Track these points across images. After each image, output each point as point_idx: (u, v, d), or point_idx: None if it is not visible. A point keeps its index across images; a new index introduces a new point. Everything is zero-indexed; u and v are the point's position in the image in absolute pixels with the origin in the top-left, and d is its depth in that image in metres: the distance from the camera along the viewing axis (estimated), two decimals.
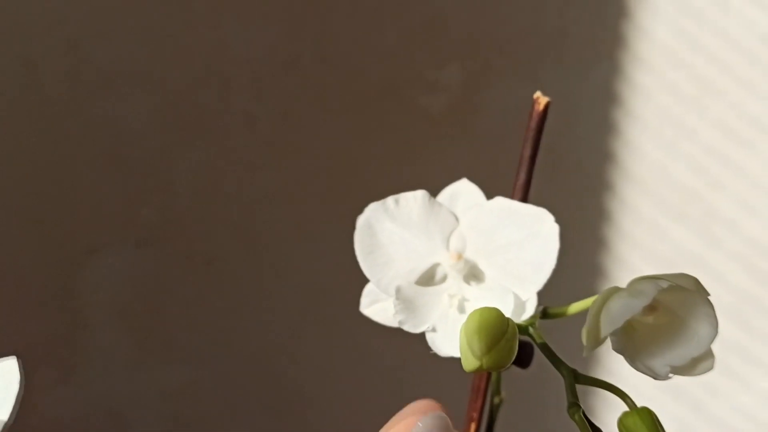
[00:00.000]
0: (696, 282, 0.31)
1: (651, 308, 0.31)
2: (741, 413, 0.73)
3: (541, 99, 0.37)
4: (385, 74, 0.71)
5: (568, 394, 0.32)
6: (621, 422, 0.30)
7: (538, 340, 0.33)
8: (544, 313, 0.35)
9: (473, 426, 0.38)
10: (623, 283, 0.31)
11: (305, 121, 0.70)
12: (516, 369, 0.37)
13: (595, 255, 0.75)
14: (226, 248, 0.70)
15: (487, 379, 0.39)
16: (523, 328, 0.33)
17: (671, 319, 0.32)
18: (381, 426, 0.38)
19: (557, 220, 0.35)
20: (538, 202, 0.36)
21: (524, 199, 0.37)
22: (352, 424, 0.70)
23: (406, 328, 0.34)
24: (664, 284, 0.30)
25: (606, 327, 0.31)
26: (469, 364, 0.30)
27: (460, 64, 0.72)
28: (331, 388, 0.73)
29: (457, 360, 0.32)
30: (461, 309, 0.35)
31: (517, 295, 0.34)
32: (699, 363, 0.32)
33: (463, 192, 0.38)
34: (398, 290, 0.35)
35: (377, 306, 0.37)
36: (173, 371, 0.70)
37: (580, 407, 0.31)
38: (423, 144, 0.72)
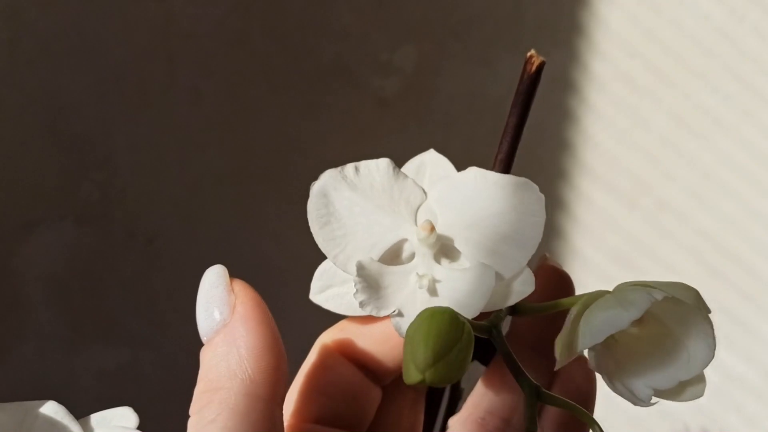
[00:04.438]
0: (696, 296, 0.27)
1: (639, 319, 0.27)
2: (688, 405, 0.72)
3: (536, 58, 0.32)
4: (336, 53, 0.70)
5: (528, 416, 0.27)
6: None
7: (499, 345, 0.28)
8: (514, 309, 0.30)
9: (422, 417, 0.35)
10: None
11: (252, 100, 0.69)
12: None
13: (548, 243, 0.74)
14: (168, 227, 0.69)
15: None
16: (485, 329, 0.29)
17: (660, 331, 0.27)
18: None
19: None
20: None
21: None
22: None
23: (368, 310, 0.29)
24: (659, 296, 0.26)
25: (585, 339, 0.26)
26: (410, 376, 0.25)
27: (415, 46, 0.71)
28: None
29: None
30: (432, 291, 0.30)
31: (499, 275, 0.29)
32: (687, 387, 0.27)
33: (430, 163, 0.33)
34: (360, 267, 0.30)
35: (331, 291, 0.32)
36: (112, 352, 0.69)
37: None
38: (374, 126, 0.71)
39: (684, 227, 0.73)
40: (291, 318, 0.72)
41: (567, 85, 0.74)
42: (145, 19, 0.66)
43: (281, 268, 0.70)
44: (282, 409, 0.27)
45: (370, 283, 0.30)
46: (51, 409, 0.27)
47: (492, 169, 0.33)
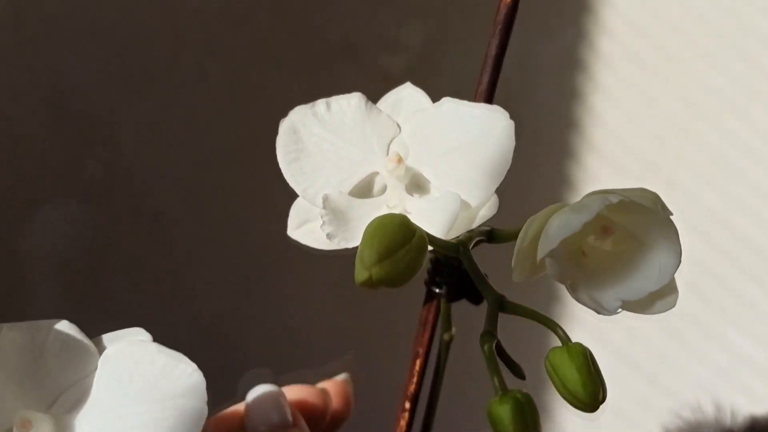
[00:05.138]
0: (655, 198, 0.26)
1: (605, 230, 0.26)
2: (696, 386, 0.72)
3: None
4: (342, 31, 0.69)
5: (487, 320, 0.27)
6: (548, 359, 0.26)
7: (465, 261, 0.28)
8: (490, 235, 0.30)
9: (418, 362, 0.34)
10: None
11: (258, 79, 0.68)
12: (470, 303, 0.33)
13: None
14: (173, 204, 0.69)
15: (435, 313, 0.34)
16: (452, 247, 0.28)
17: (632, 245, 0.27)
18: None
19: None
20: None
21: None
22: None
23: (336, 242, 0.29)
24: (614, 199, 0.25)
25: (543, 246, 0.26)
26: (359, 274, 0.25)
27: (421, 23, 0.71)
28: (276, 349, 0.72)
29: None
30: None
31: (466, 203, 0.29)
32: (657, 299, 0.26)
33: (406, 98, 0.33)
34: (326, 199, 0.30)
35: (307, 227, 0.32)
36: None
37: (495, 337, 0.27)
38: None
39: (692, 207, 0.73)
40: (295, 298, 0.72)
41: (574, 63, 0.73)
42: None
43: (285, 248, 0.69)
44: None
45: (337, 215, 0.30)
46: (63, 326, 0.27)
47: (473, 101, 0.32)
